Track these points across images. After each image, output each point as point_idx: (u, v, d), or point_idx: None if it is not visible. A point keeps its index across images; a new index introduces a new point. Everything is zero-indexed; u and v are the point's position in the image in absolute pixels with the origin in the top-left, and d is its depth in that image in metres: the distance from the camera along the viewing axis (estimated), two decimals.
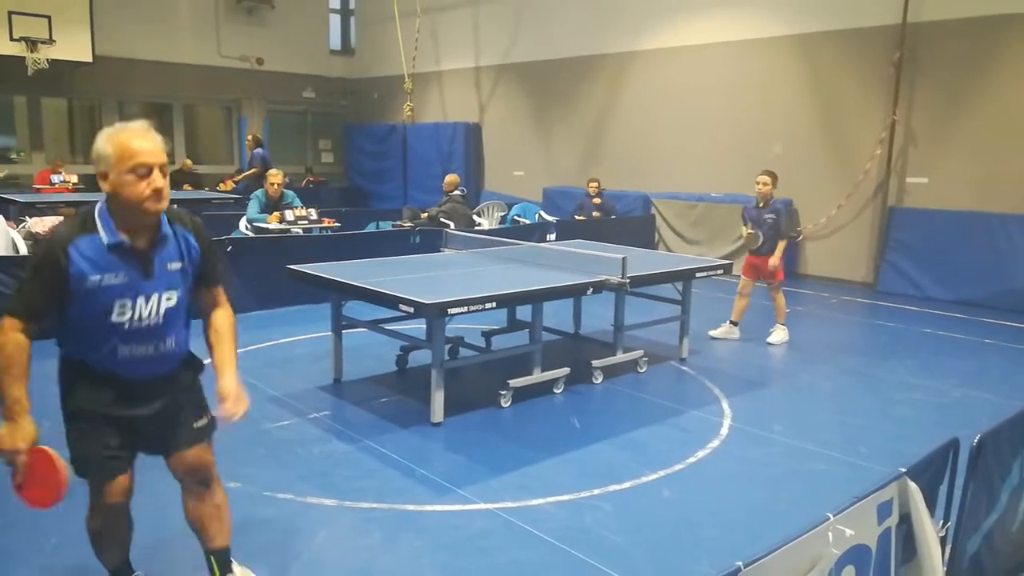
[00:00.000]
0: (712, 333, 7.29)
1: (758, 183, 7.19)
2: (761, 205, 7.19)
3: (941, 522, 2.57)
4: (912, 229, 9.80)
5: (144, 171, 2.48)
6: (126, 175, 2.47)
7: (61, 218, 9.09)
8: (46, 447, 2.59)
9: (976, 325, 8.20)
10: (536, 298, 5.31)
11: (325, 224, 9.45)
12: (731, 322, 7.34)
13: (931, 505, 2.48)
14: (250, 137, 14.26)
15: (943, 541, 2.53)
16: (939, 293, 9.49)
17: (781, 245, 7.05)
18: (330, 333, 5.76)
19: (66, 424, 2.72)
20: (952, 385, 6.05)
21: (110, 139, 2.51)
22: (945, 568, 2.49)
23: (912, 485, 2.35)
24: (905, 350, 7.13)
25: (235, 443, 4.47)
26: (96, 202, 2.58)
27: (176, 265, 2.63)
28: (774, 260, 7.03)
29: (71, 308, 2.53)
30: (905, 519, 2.38)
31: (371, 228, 11.16)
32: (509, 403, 5.28)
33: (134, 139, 2.51)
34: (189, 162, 15.58)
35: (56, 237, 2.48)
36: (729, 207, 11.16)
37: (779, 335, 7.22)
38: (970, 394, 5.85)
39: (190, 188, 14.29)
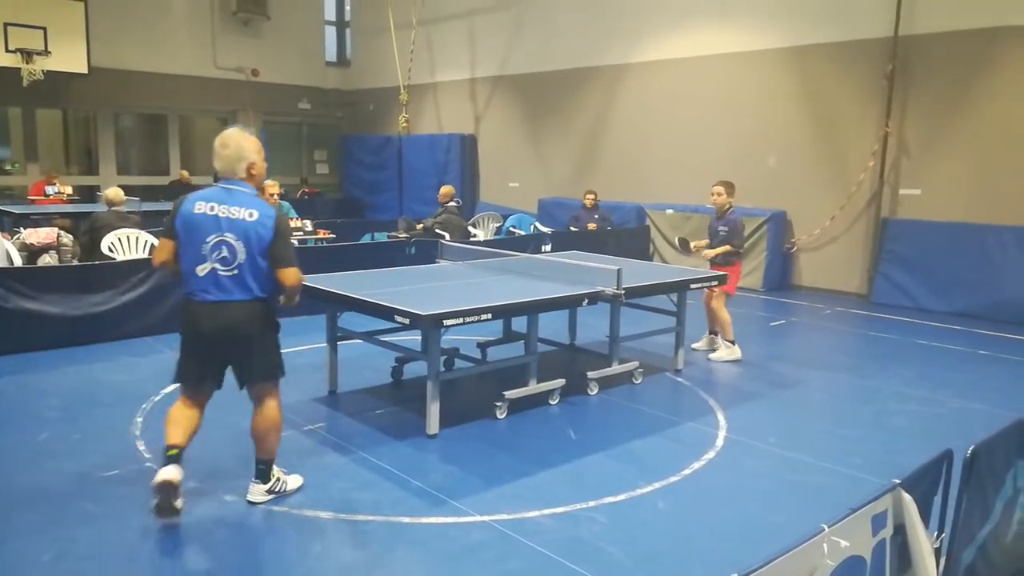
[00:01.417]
0: (695, 346, 7.24)
1: (712, 193, 7.09)
2: (719, 216, 7.11)
3: (936, 533, 2.58)
4: (906, 240, 9.85)
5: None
6: (264, 163, 3.86)
7: (56, 229, 9.09)
8: None
9: (970, 336, 8.23)
10: (532, 309, 5.32)
11: (320, 235, 9.46)
12: (710, 332, 7.28)
13: (925, 516, 2.49)
14: None
15: (938, 552, 2.54)
16: (933, 304, 9.52)
17: (723, 248, 6.90)
18: (325, 345, 5.75)
19: (275, 339, 3.91)
20: (946, 396, 6.07)
21: (250, 141, 3.80)
22: None
23: (906, 496, 2.36)
24: (899, 361, 7.15)
25: (230, 456, 4.46)
26: (249, 198, 3.74)
27: None
28: (709, 252, 6.93)
29: None
30: (900, 530, 2.39)
31: (366, 239, 11.17)
32: (505, 415, 5.28)
33: (258, 139, 3.87)
34: (185, 173, 15.58)
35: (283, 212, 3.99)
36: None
37: (723, 352, 6.95)
38: (964, 405, 5.87)
39: None
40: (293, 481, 4.10)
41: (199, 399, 3.86)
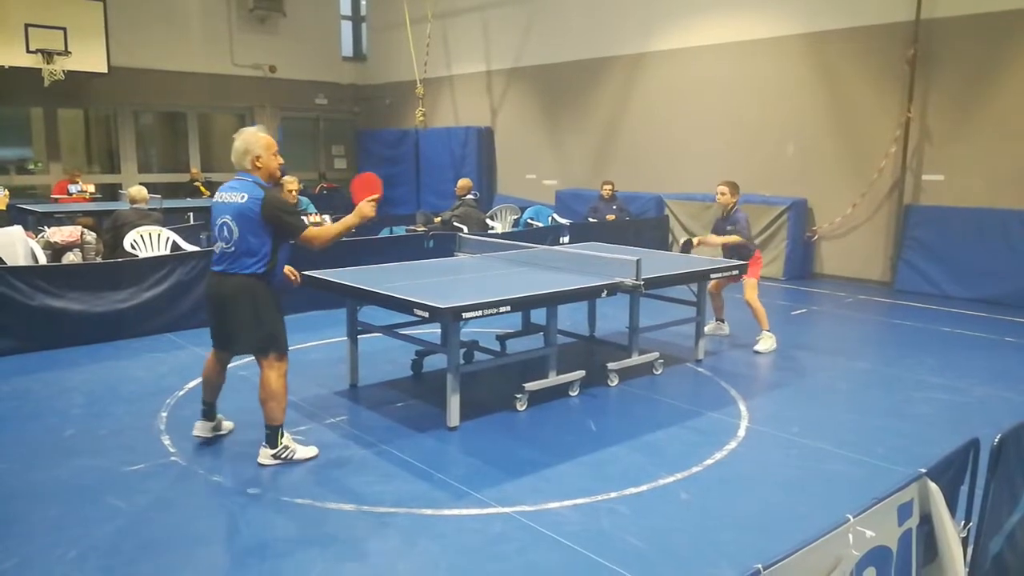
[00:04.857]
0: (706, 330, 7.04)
1: (717, 193, 7.15)
2: (724, 216, 7.14)
3: (962, 523, 2.55)
4: (929, 227, 9.72)
5: (278, 152, 4.36)
6: (273, 157, 4.29)
7: (79, 228, 9.19)
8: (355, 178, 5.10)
9: (995, 323, 8.11)
10: (550, 301, 5.31)
11: None
12: (717, 319, 7.42)
13: (952, 506, 2.46)
14: None
15: (965, 542, 2.51)
16: (957, 291, 9.40)
17: (733, 238, 6.89)
18: (345, 338, 5.78)
19: (276, 319, 4.31)
20: (971, 384, 5.99)
21: (258, 138, 4.28)
22: (967, 569, 2.47)
23: (932, 486, 2.33)
24: (923, 349, 7.07)
25: (252, 449, 4.50)
26: (245, 183, 4.23)
27: None
28: (715, 239, 6.99)
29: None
30: (926, 520, 2.36)
31: (385, 233, 11.19)
32: (525, 406, 5.28)
33: (269, 137, 4.34)
34: (196, 170, 15.70)
35: (275, 189, 4.39)
36: (743, 207, 11.09)
37: (768, 342, 6.88)
38: (990, 393, 5.79)
39: (208, 194, 14.45)
40: (303, 451, 4.45)
41: (219, 356, 4.56)
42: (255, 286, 4.22)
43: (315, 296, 6.31)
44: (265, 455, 4.37)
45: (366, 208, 4.36)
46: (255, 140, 4.27)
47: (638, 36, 12.75)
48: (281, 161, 4.39)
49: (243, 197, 4.17)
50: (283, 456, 4.37)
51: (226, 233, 4.21)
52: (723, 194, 7.11)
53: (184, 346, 6.87)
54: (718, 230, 7.20)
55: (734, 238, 6.91)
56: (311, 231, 4.25)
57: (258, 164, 4.26)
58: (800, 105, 10.86)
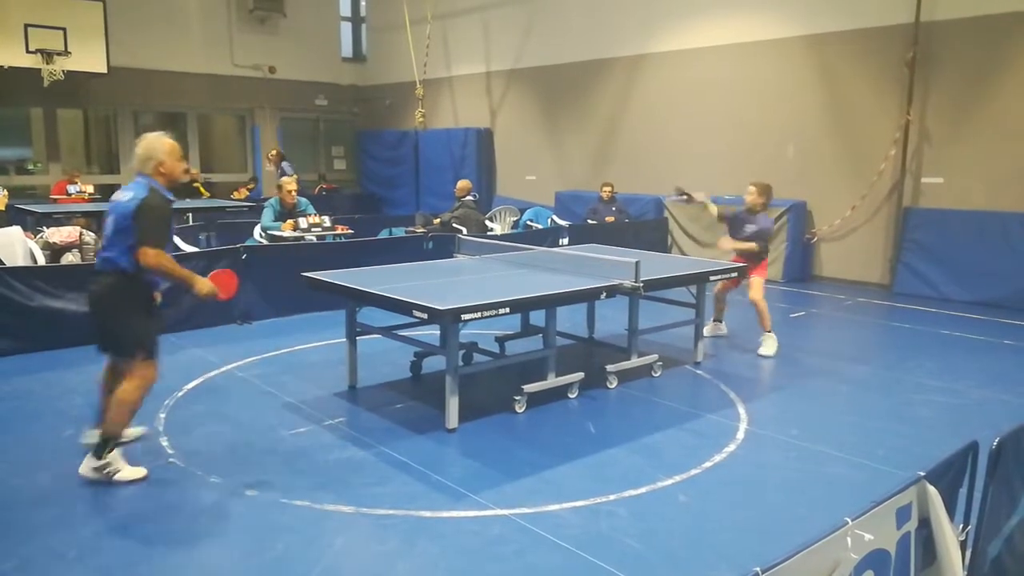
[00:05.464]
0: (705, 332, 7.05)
1: (746, 192, 7.12)
2: (749, 211, 7.06)
3: (961, 526, 2.55)
4: (928, 229, 9.72)
5: (182, 158, 4.28)
6: (177, 163, 4.21)
7: (78, 228, 9.19)
8: (220, 270, 4.62)
9: (994, 326, 8.12)
10: (549, 303, 5.31)
11: (338, 231, 9.49)
12: (715, 319, 7.46)
13: (951, 509, 2.47)
14: (274, 152, 14.16)
15: (963, 545, 2.51)
16: (956, 294, 9.41)
17: (747, 245, 6.86)
18: (344, 340, 5.78)
19: (141, 321, 4.14)
20: (970, 387, 5.99)
21: (163, 143, 4.18)
22: (965, 572, 2.47)
23: (931, 489, 2.33)
24: (922, 352, 7.07)
25: (251, 451, 4.50)
26: (139, 185, 4.09)
27: None
28: (729, 243, 6.96)
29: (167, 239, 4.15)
30: (924, 523, 2.36)
31: (384, 234, 11.20)
32: (524, 408, 5.27)
33: (173, 142, 4.22)
34: (195, 171, 15.67)
35: (164, 200, 4.11)
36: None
37: (771, 344, 6.85)
38: (989, 396, 5.80)
39: (207, 195, 14.44)
40: (129, 472, 4.12)
41: (110, 364, 4.32)
42: (121, 283, 4.05)
43: (314, 297, 6.32)
44: (87, 466, 4.08)
45: (206, 288, 4.21)
46: (159, 145, 4.15)
47: (638, 37, 12.75)
48: (185, 166, 4.32)
49: (127, 196, 4.05)
50: (105, 472, 4.05)
51: (106, 231, 4.12)
52: (751, 194, 7.00)
53: (183, 347, 6.86)
54: (736, 224, 7.06)
55: (751, 245, 6.84)
56: (153, 251, 3.97)
57: (162, 170, 4.14)
58: (800, 107, 10.86)
